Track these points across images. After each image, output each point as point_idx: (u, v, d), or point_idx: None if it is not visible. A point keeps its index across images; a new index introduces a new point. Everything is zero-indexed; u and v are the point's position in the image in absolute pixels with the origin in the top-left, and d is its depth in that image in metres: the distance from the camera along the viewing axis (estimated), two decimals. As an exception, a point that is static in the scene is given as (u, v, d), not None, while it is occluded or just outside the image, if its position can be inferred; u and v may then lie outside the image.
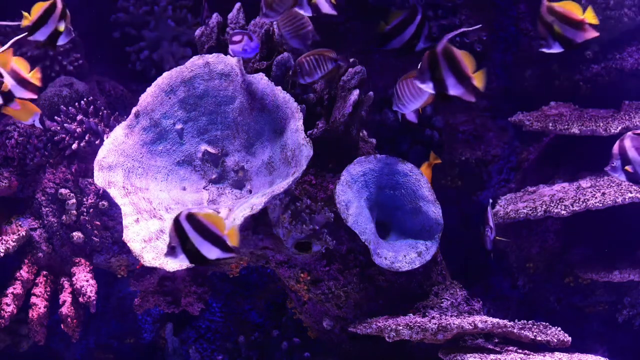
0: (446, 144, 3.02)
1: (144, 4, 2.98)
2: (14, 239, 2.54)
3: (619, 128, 2.57)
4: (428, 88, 1.82)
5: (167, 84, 2.35)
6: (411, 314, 2.31)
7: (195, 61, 2.36)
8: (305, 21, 2.14)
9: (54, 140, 2.62)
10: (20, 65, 2.10)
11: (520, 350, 2.16)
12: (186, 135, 2.37)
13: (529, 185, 2.75)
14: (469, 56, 1.77)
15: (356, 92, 2.32)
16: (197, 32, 2.50)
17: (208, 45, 2.47)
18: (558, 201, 2.48)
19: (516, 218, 2.54)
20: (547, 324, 2.27)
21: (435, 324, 2.12)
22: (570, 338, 2.21)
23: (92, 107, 2.67)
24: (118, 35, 3.02)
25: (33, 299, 2.55)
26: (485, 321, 2.10)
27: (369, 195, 2.34)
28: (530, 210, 2.51)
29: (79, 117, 2.62)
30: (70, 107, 2.65)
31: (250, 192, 2.30)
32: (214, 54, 2.37)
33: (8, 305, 2.50)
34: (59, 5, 2.03)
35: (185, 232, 1.74)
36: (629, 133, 1.90)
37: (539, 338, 2.15)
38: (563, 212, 2.43)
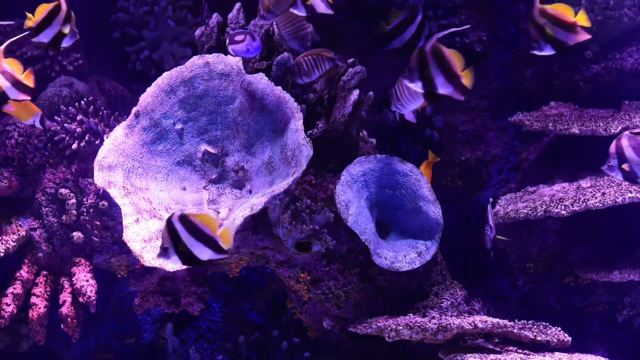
0: (446, 144, 3.02)
1: (144, 4, 2.98)
2: (14, 239, 2.54)
3: (619, 128, 2.57)
4: (417, 87, 1.82)
5: (167, 84, 2.35)
6: (411, 314, 2.31)
7: (195, 61, 2.36)
8: (305, 22, 2.15)
9: (54, 140, 2.62)
10: (14, 66, 2.10)
11: (520, 350, 2.16)
12: (186, 135, 2.37)
13: (529, 185, 2.75)
14: (458, 55, 1.78)
15: (356, 92, 2.32)
16: (197, 32, 2.50)
17: (208, 45, 2.48)
18: (558, 201, 2.48)
19: (516, 218, 2.54)
20: (547, 324, 2.27)
21: (435, 324, 2.12)
22: (570, 338, 2.21)
23: (92, 107, 2.67)
24: (118, 35, 3.02)
25: (33, 299, 2.55)
26: (485, 321, 2.10)
27: (369, 195, 2.34)
28: (530, 210, 2.51)
29: (79, 117, 2.62)
30: (70, 107, 2.65)
31: (250, 192, 2.30)
32: (214, 54, 2.37)
33: (8, 305, 2.50)
34: (64, 7, 2.02)
35: (178, 233, 1.74)
36: (626, 132, 1.90)
37: (539, 338, 2.15)
38: (563, 212, 2.43)
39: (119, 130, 2.33)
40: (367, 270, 2.35)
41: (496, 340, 2.28)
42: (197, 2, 2.96)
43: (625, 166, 1.89)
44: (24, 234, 2.58)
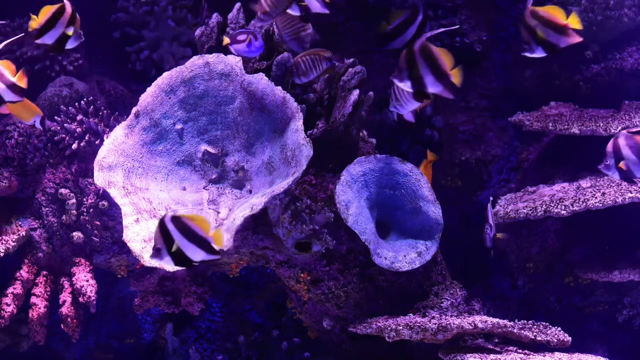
0: (446, 144, 3.02)
1: (144, 4, 2.98)
2: (14, 239, 2.54)
3: (619, 128, 2.56)
4: (406, 87, 1.82)
5: (167, 84, 2.35)
6: (411, 314, 2.31)
7: (195, 61, 2.36)
8: (304, 23, 2.15)
9: (54, 140, 2.62)
10: (6, 68, 2.09)
11: (520, 350, 2.16)
12: (186, 135, 2.37)
13: (529, 185, 2.75)
14: (447, 53, 1.78)
15: (356, 92, 2.32)
16: (197, 32, 2.50)
17: (208, 45, 2.48)
18: (558, 201, 2.48)
19: (516, 218, 2.54)
20: (547, 324, 2.27)
21: (435, 324, 2.12)
22: (570, 338, 2.21)
23: (92, 107, 2.67)
24: (118, 35, 3.02)
25: (33, 299, 2.55)
26: (485, 321, 2.10)
27: (369, 195, 2.34)
28: (530, 210, 2.51)
29: (79, 117, 2.62)
30: (70, 107, 2.65)
31: (250, 192, 2.30)
32: (214, 54, 2.37)
33: (8, 305, 2.50)
34: (68, 8, 2.02)
35: (170, 234, 1.74)
36: (623, 131, 1.90)
37: (539, 338, 2.15)
38: (563, 212, 2.43)
39: (119, 130, 2.33)
40: (367, 270, 2.35)
41: (496, 340, 2.28)
42: (197, 2, 2.96)
43: (622, 164, 1.89)
44: (24, 234, 2.58)
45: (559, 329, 2.25)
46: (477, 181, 3.07)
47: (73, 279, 2.56)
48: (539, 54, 1.88)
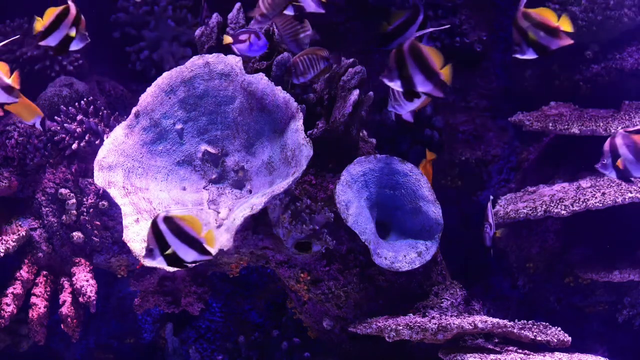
0: (446, 144, 3.02)
1: (144, 4, 2.98)
2: (14, 239, 2.54)
3: (619, 128, 2.56)
4: (396, 86, 1.83)
5: (167, 84, 2.35)
6: (411, 314, 2.31)
7: (195, 61, 2.36)
8: (304, 24, 2.15)
9: (54, 140, 2.62)
10: (1, 69, 2.08)
11: (520, 350, 2.16)
12: (186, 135, 2.37)
13: (529, 185, 2.75)
14: (436, 52, 1.79)
15: (356, 92, 2.32)
16: (197, 32, 2.50)
17: (208, 45, 2.48)
18: (558, 201, 2.48)
19: (516, 218, 2.54)
20: (547, 324, 2.27)
21: (435, 324, 2.12)
22: (570, 338, 2.21)
23: (92, 107, 2.67)
24: (118, 35, 3.02)
25: (33, 299, 2.55)
26: (485, 321, 2.10)
27: (369, 195, 2.34)
28: (530, 210, 2.50)
29: (79, 117, 2.62)
30: (70, 107, 2.65)
31: (250, 192, 2.30)
32: (214, 54, 2.37)
33: (8, 305, 2.50)
34: (73, 10, 2.01)
35: (163, 234, 1.75)
36: (620, 130, 1.90)
37: (539, 338, 2.15)
38: (563, 212, 2.43)
39: (119, 130, 2.33)
40: (367, 270, 2.35)
41: (496, 340, 2.28)
42: (197, 2, 2.96)
43: (619, 162, 1.89)
44: (24, 234, 2.58)
45: (559, 329, 2.25)
46: (477, 181, 3.07)
47: (73, 279, 2.55)
48: (530, 55, 1.89)
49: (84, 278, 2.54)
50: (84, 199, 2.59)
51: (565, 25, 1.84)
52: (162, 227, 1.75)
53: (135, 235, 2.14)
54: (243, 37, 2.17)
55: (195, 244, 1.77)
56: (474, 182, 3.07)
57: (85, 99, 2.68)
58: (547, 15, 1.85)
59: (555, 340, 2.16)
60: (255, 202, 2.08)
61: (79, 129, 2.61)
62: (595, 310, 2.76)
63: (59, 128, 2.62)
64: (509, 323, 2.14)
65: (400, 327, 2.13)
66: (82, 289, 2.51)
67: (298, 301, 2.45)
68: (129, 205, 2.20)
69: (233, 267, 2.45)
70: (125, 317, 2.89)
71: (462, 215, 3.03)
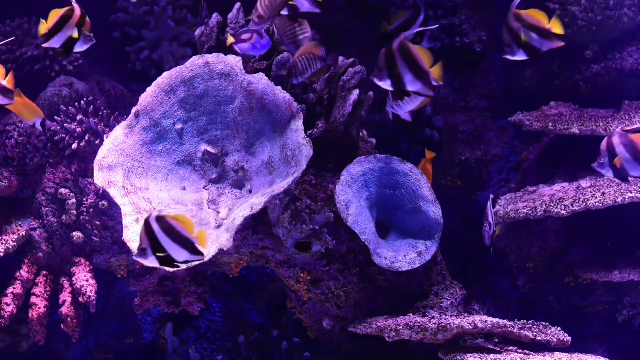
0: (446, 144, 3.02)
1: (144, 4, 2.98)
2: (14, 239, 2.54)
3: (619, 128, 2.56)
4: (386, 86, 1.84)
5: (167, 84, 2.35)
6: (411, 314, 2.31)
7: (195, 61, 2.36)
8: (304, 26, 2.15)
9: (54, 140, 2.62)
10: None
11: (520, 350, 2.16)
12: (186, 135, 2.37)
13: (529, 185, 2.75)
14: (425, 51, 1.79)
15: (356, 92, 2.32)
16: (197, 32, 2.50)
17: (208, 45, 2.48)
18: (558, 201, 2.48)
19: (516, 218, 2.54)
20: (547, 324, 2.27)
21: (435, 324, 2.12)
22: (570, 338, 2.21)
23: (92, 107, 2.67)
24: (118, 35, 3.02)
25: (33, 299, 2.55)
26: (485, 321, 2.10)
27: (369, 195, 2.34)
28: (530, 210, 2.50)
29: (79, 117, 2.62)
30: (70, 107, 2.65)
31: (250, 192, 2.30)
32: (214, 54, 2.37)
33: (8, 305, 2.50)
34: (77, 11, 2.01)
35: (155, 233, 1.75)
36: (617, 130, 1.90)
37: (539, 338, 2.15)
38: (563, 212, 2.43)
39: (119, 130, 2.33)
40: (367, 270, 2.35)
41: (496, 340, 2.28)
42: (197, 2, 2.96)
43: (617, 161, 1.89)
44: (24, 234, 2.58)
45: (559, 329, 2.25)
46: (477, 181, 3.07)
47: (73, 279, 2.55)
48: (520, 57, 1.89)
49: (84, 278, 2.54)
50: (84, 199, 2.59)
51: (556, 27, 1.85)
52: (155, 226, 1.76)
53: (135, 235, 2.14)
54: (246, 36, 2.17)
55: (187, 244, 1.77)
56: (474, 182, 3.07)
57: (85, 99, 2.68)
58: (538, 16, 1.86)
59: (555, 340, 2.16)
60: (255, 202, 2.08)
61: (79, 129, 2.61)
62: (595, 310, 2.76)
63: (59, 128, 2.62)
64: (509, 323, 2.14)
65: (400, 327, 2.13)
66: (82, 289, 2.51)
67: (298, 301, 2.45)
68: (129, 205, 2.20)
69: (233, 267, 2.45)
70: (125, 317, 2.89)
71: (462, 215, 3.03)
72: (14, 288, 2.54)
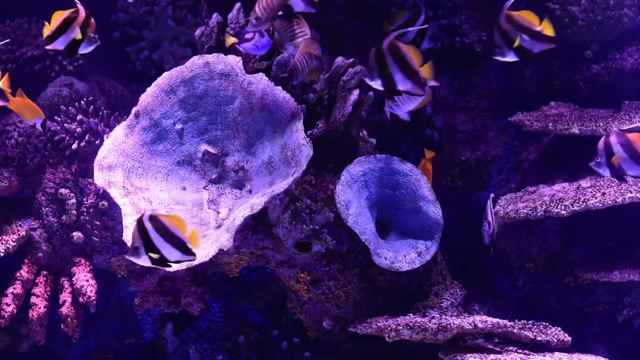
0: (446, 144, 3.02)
1: (144, 4, 2.98)
2: (14, 239, 2.54)
3: (615, 127, 2.56)
4: (376, 85, 1.84)
5: (167, 84, 2.35)
6: (411, 314, 2.31)
7: (195, 61, 2.36)
8: (304, 28, 2.15)
9: (54, 140, 2.62)
10: None
11: (520, 350, 2.16)
12: (186, 135, 2.37)
13: (529, 185, 2.75)
14: (415, 50, 1.80)
15: (356, 92, 2.32)
16: (197, 32, 2.50)
17: (208, 45, 2.48)
18: (558, 201, 2.48)
19: (516, 218, 2.54)
20: (547, 324, 2.27)
21: (435, 323, 2.12)
22: (570, 338, 2.21)
23: (92, 107, 2.67)
24: (118, 35, 3.02)
25: (33, 299, 2.55)
26: (485, 321, 2.10)
27: (369, 195, 2.34)
28: (530, 210, 2.50)
29: (79, 117, 2.62)
30: (70, 107, 2.65)
31: (250, 192, 2.30)
32: (214, 54, 2.37)
33: (8, 305, 2.50)
34: (82, 13, 2.01)
35: (148, 232, 1.76)
36: (614, 129, 1.91)
37: (539, 338, 2.15)
38: (563, 212, 2.43)
39: (119, 130, 2.33)
40: (367, 270, 2.35)
41: (496, 340, 2.28)
42: (197, 2, 2.96)
43: (614, 160, 1.89)
44: (24, 234, 2.58)
45: (559, 329, 2.25)
46: (477, 181, 3.07)
47: (73, 279, 2.56)
48: (510, 58, 1.90)
49: (84, 278, 2.54)
50: (84, 199, 2.59)
51: (547, 29, 1.86)
52: (148, 225, 1.77)
53: (135, 235, 2.14)
54: (248, 35, 2.17)
55: (179, 243, 1.78)
56: (474, 182, 3.07)
57: (85, 99, 2.68)
58: (530, 18, 1.87)
59: (555, 340, 2.17)
60: (255, 202, 2.08)
61: (79, 129, 2.61)
62: (595, 310, 2.76)
63: (59, 128, 2.62)
64: (509, 323, 2.14)
65: (400, 327, 2.13)
66: (82, 289, 2.51)
67: (298, 301, 2.45)
68: (129, 205, 2.20)
69: (233, 267, 2.45)
70: (125, 317, 2.89)
71: (462, 215, 3.03)
72: (14, 288, 2.54)
